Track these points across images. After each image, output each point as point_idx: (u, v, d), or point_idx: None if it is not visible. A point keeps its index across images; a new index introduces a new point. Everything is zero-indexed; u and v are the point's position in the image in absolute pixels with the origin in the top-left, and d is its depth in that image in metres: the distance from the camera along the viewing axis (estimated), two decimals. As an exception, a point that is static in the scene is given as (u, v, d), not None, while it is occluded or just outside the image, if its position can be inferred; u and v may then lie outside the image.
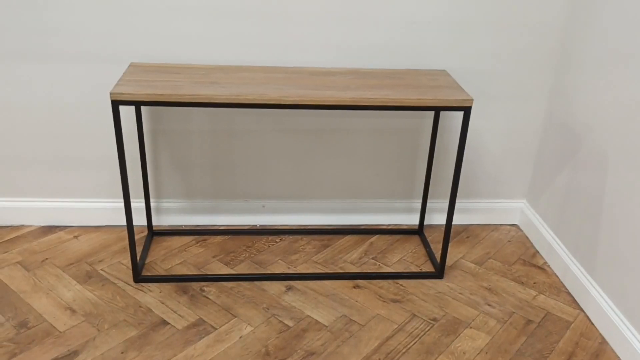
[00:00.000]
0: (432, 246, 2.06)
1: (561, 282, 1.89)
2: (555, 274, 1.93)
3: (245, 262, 1.93)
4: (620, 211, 1.60)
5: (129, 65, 1.75)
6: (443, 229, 2.17)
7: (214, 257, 1.94)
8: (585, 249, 1.77)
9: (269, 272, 1.88)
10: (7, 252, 1.91)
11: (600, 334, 1.66)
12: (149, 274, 1.84)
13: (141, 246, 1.97)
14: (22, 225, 2.06)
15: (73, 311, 1.66)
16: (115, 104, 1.51)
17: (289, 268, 1.90)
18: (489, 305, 1.77)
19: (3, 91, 1.85)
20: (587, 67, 1.77)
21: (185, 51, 1.82)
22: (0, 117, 1.88)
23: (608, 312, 1.63)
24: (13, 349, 1.51)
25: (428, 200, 2.15)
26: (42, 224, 2.06)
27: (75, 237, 2.01)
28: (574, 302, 1.80)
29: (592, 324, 1.70)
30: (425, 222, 2.19)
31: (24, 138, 1.93)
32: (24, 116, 1.89)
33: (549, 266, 1.98)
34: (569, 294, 1.84)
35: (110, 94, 1.49)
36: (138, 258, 1.85)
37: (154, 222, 2.10)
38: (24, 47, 1.78)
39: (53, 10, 1.74)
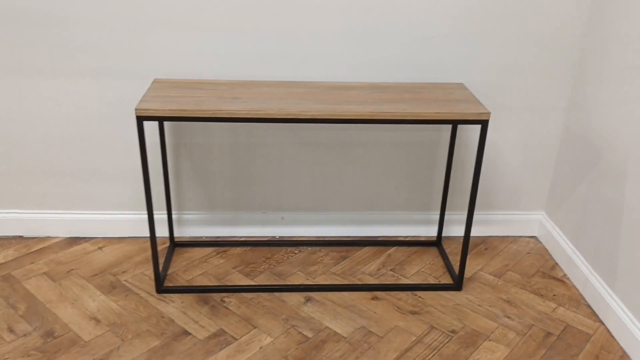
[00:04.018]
0: (450, 258, 2.06)
1: (581, 295, 1.88)
2: (574, 286, 1.92)
3: (264, 273, 1.95)
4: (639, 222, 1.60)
5: (153, 81, 1.80)
6: (461, 240, 2.18)
7: (234, 268, 1.97)
8: (605, 261, 1.77)
9: (288, 283, 1.90)
10: (34, 262, 1.96)
11: (621, 347, 1.65)
12: (171, 284, 1.87)
13: (163, 257, 2.01)
14: (49, 237, 2.12)
15: (97, 321, 1.70)
16: (140, 120, 1.55)
17: (307, 279, 1.93)
18: (508, 317, 1.77)
19: (31, 106, 1.91)
20: (605, 80, 1.77)
21: (208, 67, 1.87)
22: (27, 131, 1.95)
23: (629, 324, 1.62)
24: (40, 358, 1.55)
25: (446, 212, 2.16)
26: (68, 236, 2.12)
27: (100, 248, 2.06)
28: (593, 315, 1.79)
29: (613, 337, 1.69)
30: (444, 234, 2.20)
31: (51, 152, 1.99)
32: (51, 130, 1.95)
33: (568, 278, 1.97)
34: (588, 306, 1.83)
35: (135, 110, 1.54)
36: (160, 269, 1.89)
37: (176, 234, 2.14)
38: (51, 64, 1.84)
39: (79, 27, 1.79)
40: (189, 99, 1.63)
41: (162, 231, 2.11)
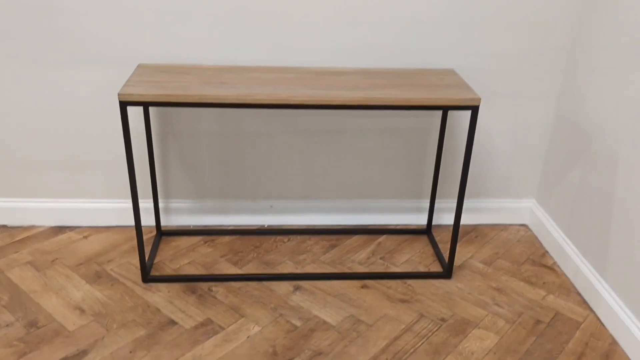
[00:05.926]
0: (440, 246, 2.05)
1: (571, 282, 1.88)
2: (564, 274, 1.92)
3: (253, 262, 1.93)
4: (631, 210, 1.59)
5: (137, 66, 1.76)
6: (451, 228, 2.16)
7: (222, 257, 1.95)
8: (596, 248, 1.76)
9: (276, 272, 1.88)
10: (17, 252, 1.93)
11: (611, 335, 1.65)
12: (157, 274, 1.84)
13: (150, 246, 1.98)
14: (33, 226, 2.08)
15: (82, 311, 1.67)
16: (123, 105, 1.51)
17: (296, 268, 1.90)
18: (498, 305, 1.76)
19: (14, 94, 1.86)
20: (597, 67, 1.76)
21: (194, 52, 1.83)
22: (11, 120, 1.90)
23: (618, 312, 1.62)
24: (23, 349, 1.52)
25: (436, 200, 2.14)
26: (53, 224, 2.08)
27: (85, 237, 2.03)
28: (584, 303, 1.78)
29: (603, 324, 1.69)
30: (434, 222, 2.18)
31: (35, 140, 1.94)
32: (35, 118, 1.90)
33: (558, 266, 1.96)
34: (578, 294, 1.82)
35: (118, 94, 1.50)
36: (147, 258, 1.86)
37: (163, 223, 2.11)
38: (33, 52, 1.79)
39: (61, 13, 1.75)
40: (174, 84, 1.60)
41: (148, 220, 2.07)
